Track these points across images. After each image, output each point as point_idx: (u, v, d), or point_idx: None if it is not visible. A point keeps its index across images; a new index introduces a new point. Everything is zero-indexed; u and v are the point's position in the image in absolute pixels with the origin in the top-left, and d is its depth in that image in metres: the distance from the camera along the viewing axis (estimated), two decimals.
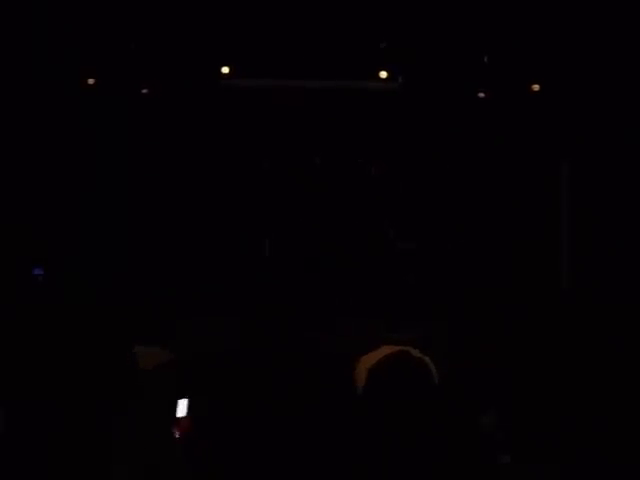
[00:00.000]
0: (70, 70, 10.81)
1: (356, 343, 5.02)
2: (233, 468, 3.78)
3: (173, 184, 11.64)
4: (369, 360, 4.43)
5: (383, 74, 11.22)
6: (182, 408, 4.44)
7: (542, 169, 11.72)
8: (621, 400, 5.39)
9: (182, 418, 4.39)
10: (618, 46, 10.62)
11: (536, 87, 11.38)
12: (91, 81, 11.15)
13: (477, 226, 11.04)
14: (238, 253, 11.49)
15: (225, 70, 11.11)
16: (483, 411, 3.81)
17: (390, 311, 5.26)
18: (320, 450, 3.84)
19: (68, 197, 11.29)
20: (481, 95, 11.62)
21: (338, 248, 10.78)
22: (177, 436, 4.09)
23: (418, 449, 3.10)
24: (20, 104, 10.75)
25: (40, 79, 10.68)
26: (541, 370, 7.13)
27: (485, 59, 10.88)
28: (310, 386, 4.02)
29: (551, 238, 11.88)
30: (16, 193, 10.99)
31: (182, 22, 10.75)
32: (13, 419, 3.58)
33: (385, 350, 4.15)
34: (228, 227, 11.23)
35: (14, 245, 10.85)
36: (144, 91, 11.45)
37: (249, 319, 7.86)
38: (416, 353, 4.27)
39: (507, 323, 9.56)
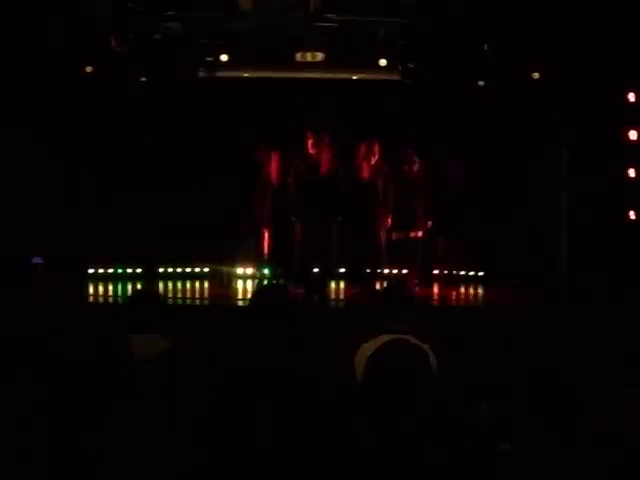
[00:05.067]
0: (68, 57, 10.78)
1: (355, 332, 5.01)
2: (229, 454, 3.76)
3: (169, 175, 11.64)
4: (368, 348, 4.42)
5: (383, 62, 11.19)
6: None
7: (542, 159, 11.74)
8: (617, 387, 5.39)
9: None
10: (616, 33, 10.61)
11: (536, 75, 11.37)
12: (89, 69, 11.13)
13: (478, 213, 11.03)
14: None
15: (223, 58, 11.07)
16: (483, 399, 3.81)
17: (390, 300, 5.23)
18: (319, 437, 3.83)
19: (67, 185, 11.29)
20: (480, 83, 11.61)
21: (336, 236, 10.75)
22: None
23: (417, 435, 3.09)
24: (18, 92, 10.72)
25: (39, 66, 10.65)
26: (540, 359, 7.13)
27: (485, 47, 10.84)
28: (309, 374, 4.00)
29: (550, 229, 11.91)
30: (15, 182, 10.97)
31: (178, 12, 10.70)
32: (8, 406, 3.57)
33: (384, 338, 4.13)
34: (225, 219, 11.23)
35: (13, 234, 10.84)
36: (142, 79, 11.43)
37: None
38: (415, 341, 4.26)
39: (506, 314, 9.56)
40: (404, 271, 11.41)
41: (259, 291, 4.98)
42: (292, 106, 11.67)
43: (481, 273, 12.02)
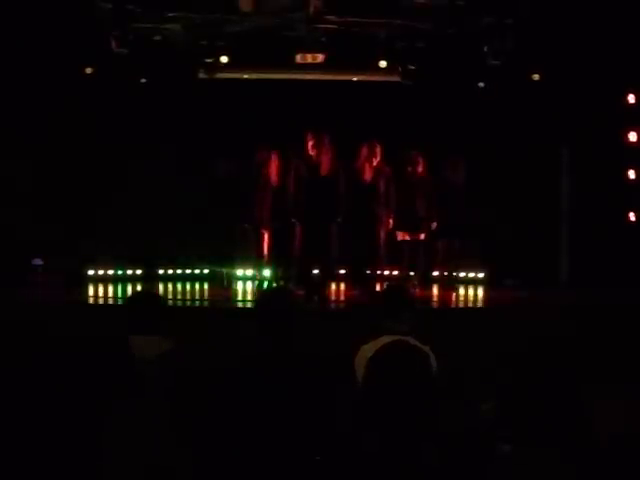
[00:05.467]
0: (68, 59, 10.78)
1: (356, 334, 5.02)
2: (229, 456, 3.77)
3: (170, 175, 11.64)
4: (369, 349, 4.43)
5: (383, 64, 11.18)
6: None
7: (542, 162, 11.75)
8: (617, 387, 5.40)
9: None
10: (615, 35, 10.63)
11: (536, 76, 11.39)
12: (89, 70, 11.13)
13: (478, 213, 11.03)
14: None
15: (223, 60, 11.06)
16: (483, 398, 3.81)
17: (390, 301, 5.23)
18: (320, 438, 3.83)
19: (67, 186, 11.28)
20: (481, 85, 11.61)
21: (336, 237, 10.74)
22: None
23: (417, 436, 3.09)
24: (18, 93, 10.73)
25: (38, 67, 10.65)
26: (540, 359, 7.12)
27: (485, 48, 10.83)
28: (309, 375, 4.01)
29: (550, 229, 11.92)
30: (14, 183, 10.98)
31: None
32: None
33: (384, 339, 4.14)
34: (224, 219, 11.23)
35: (14, 235, 10.85)
36: (143, 80, 11.44)
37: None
38: (415, 342, 4.27)
39: (506, 314, 9.56)
40: (404, 272, 11.40)
41: (261, 294, 5.00)
42: (292, 107, 11.66)
43: (481, 274, 12.02)
